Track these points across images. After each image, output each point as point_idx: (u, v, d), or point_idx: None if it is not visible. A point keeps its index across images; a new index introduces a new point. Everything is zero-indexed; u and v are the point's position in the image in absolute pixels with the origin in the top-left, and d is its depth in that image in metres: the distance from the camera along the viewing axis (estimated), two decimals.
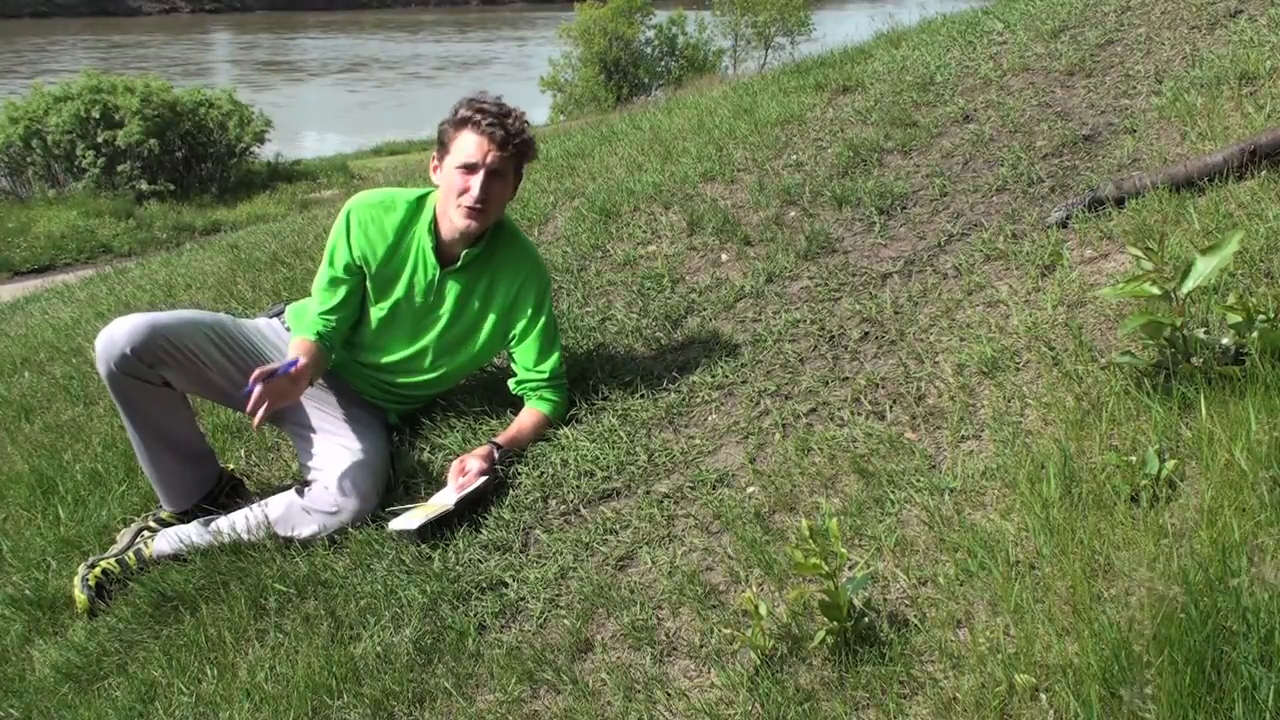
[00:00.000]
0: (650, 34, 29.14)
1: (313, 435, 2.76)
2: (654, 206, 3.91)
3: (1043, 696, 1.57)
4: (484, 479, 2.54)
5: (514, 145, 2.61)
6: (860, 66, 4.98)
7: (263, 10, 64.62)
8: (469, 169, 2.59)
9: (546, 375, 2.78)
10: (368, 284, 2.75)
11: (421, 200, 2.74)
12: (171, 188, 16.95)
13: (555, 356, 2.79)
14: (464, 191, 2.61)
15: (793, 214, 3.58)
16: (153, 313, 2.64)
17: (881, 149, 3.84)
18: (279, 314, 2.96)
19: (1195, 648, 1.45)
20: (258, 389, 2.43)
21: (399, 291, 2.75)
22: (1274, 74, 3.30)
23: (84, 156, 16.55)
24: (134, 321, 2.56)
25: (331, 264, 2.73)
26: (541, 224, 4.15)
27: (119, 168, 16.72)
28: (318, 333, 2.71)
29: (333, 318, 2.73)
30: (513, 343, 2.82)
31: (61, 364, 4.37)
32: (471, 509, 2.53)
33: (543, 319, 2.79)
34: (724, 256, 3.44)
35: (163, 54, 45.10)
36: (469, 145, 2.59)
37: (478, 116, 2.58)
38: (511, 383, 2.85)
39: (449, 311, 2.77)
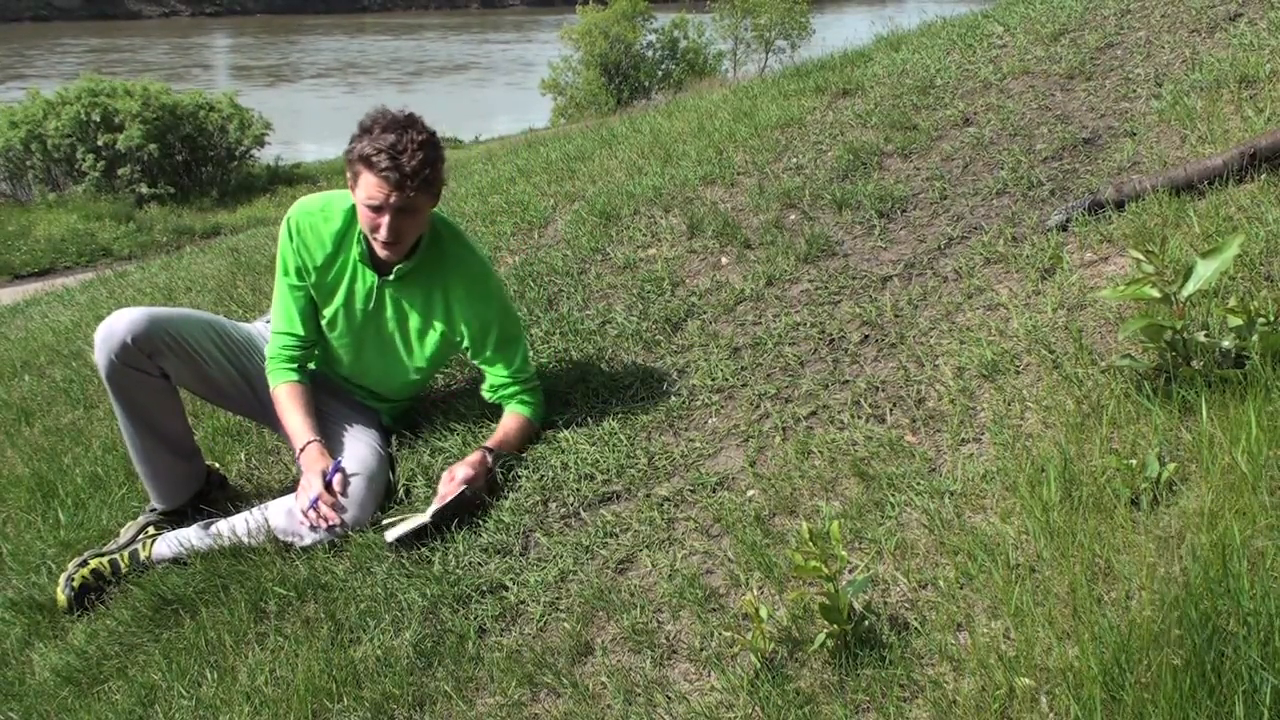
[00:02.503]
0: (652, 37, 29.19)
1: None
2: (654, 210, 3.91)
3: (1043, 699, 1.57)
4: (463, 488, 2.50)
5: (412, 186, 2.46)
6: (860, 70, 4.98)
7: (263, 14, 64.68)
8: (375, 210, 2.50)
9: (509, 376, 2.75)
10: (312, 292, 2.74)
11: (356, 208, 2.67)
12: (172, 191, 16.99)
13: (517, 357, 2.76)
14: (375, 228, 2.53)
15: (793, 217, 3.59)
16: (154, 306, 2.65)
17: (881, 152, 3.85)
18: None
19: (1195, 650, 1.45)
20: (324, 509, 2.53)
21: (339, 300, 2.73)
22: (1273, 77, 3.30)
23: (84, 160, 16.59)
24: (133, 313, 2.57)
25: (286, 273, 2.71)
26: (541, 227, 4.15)
27: (119, 171, 16.76)
28: (293, 363, 2.70)
29: (300, 331, 2.72)
30: (469, 352, 2.79)
31: (61, 367, 4.38)
32: (461, 515, 2.50)
33: (492, 323, 2.73)
34: (724, 260, 3.44)
35: (163, 57, 45.12)
36: (370, 187, 2.47)
37: (374, 157, 2.44)
38: (484, 391, 2.82)
39: (392, 319, 2.75)
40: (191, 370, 2.68)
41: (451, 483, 2.53)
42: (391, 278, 2.69)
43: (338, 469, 2.58)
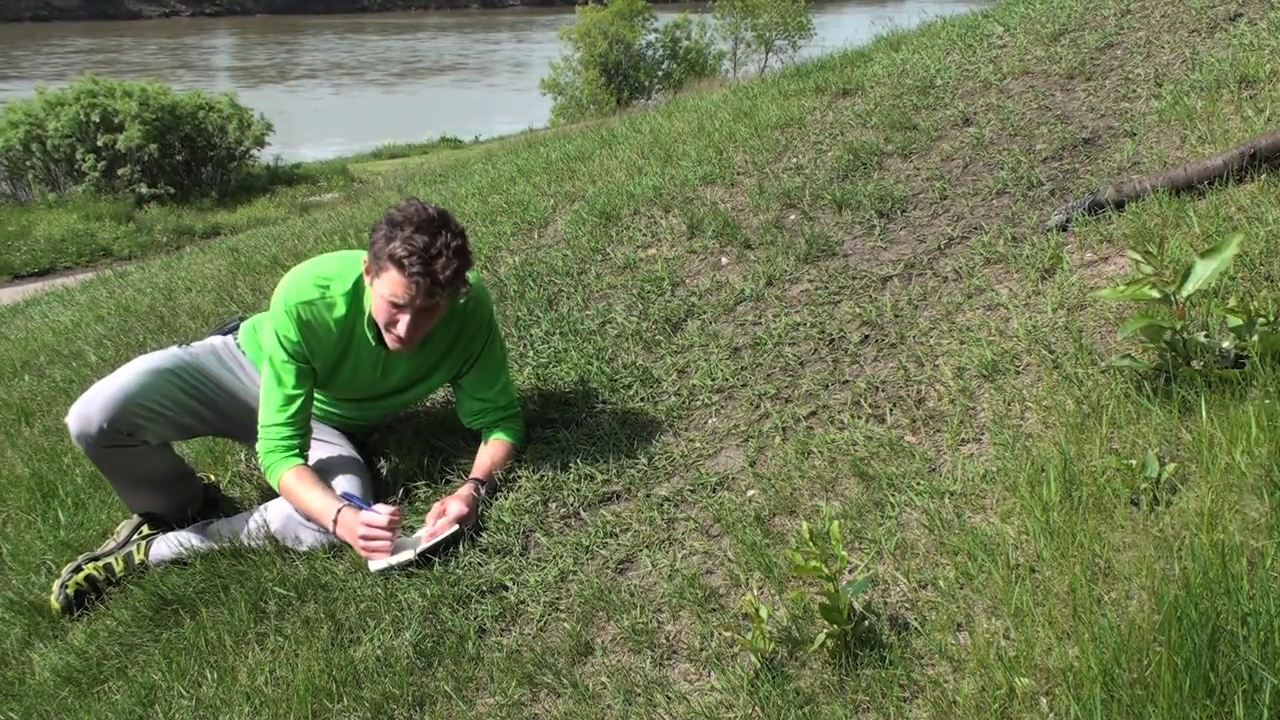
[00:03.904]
0: (652, 37, 29.23)
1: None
2: (654, 210, 3.91)
3: (1043, 700, 1.57)
4: (455, 528, 2.46)
5: (441, 295, 2.41)
6: (860, 70, 4.98)
7: (263, 14, 64.72)
8: (397, 307, 2.43)
9: (491, 400, 2.72)
10: (316, 368, 2.67)
11: (359, 286, 2.58)
12: (172, 191, 16.97)
13: (501, 379, 2.74)
14: (392, 323, 2.45)
15: (793, 217, 3.59)
16: (119, 378, 2.55)
17: (881, 152, 3.85)
18: (233, 329, 2.89)
19: (1195, 650, 1.45)
20: (380, 542, 2.46)
21: (346, 373, 2.68)
22: (1273, 77, 3.30)
23: (84, 160, 16.57)
24: (105, 396, 2.50)
25: (291, 357, 2.57)
26: (541, 227, 4.15)
27: (119, 171, 16.75)
28: (292, 451, 2.60)
29: (302, 418, 2.62)
30: (460, 377, 2.77)
31: (61, 367, 4.38)
32: (446, 549, 2.46)
33: (487, 347, 2.71)
34: (724, 260, 3.44)
35: (151, 58, 45.13)
36: (396, 286, 2.39)
37: (405, 260, 2.35)
38: (465, 415, 2.78)
39: (398, 376, 2.72)
40: (171, 429, 2.64)
41: (443, 518, 2.48)
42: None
43: (368, 507, 2.51)
